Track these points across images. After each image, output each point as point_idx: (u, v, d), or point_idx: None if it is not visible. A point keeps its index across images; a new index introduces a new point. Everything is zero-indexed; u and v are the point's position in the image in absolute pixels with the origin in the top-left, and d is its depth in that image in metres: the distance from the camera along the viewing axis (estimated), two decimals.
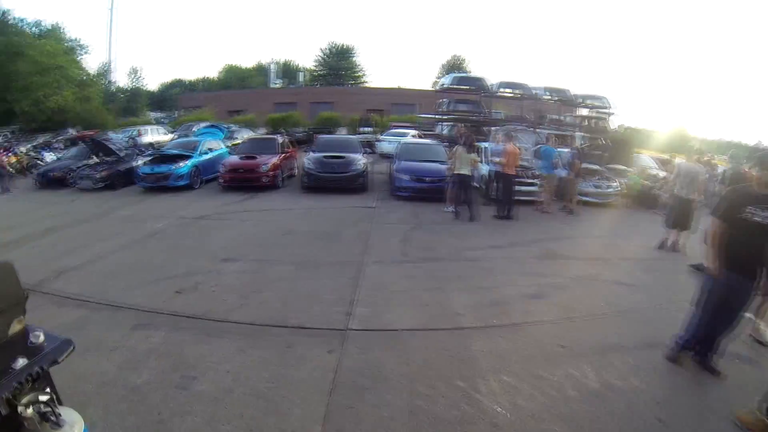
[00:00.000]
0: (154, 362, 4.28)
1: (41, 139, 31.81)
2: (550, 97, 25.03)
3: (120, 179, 14.78)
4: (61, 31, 44.85)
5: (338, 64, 70.59)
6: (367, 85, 67.54)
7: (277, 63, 77.31)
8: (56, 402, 2.00)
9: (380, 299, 5.85)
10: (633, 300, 6.21)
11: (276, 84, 61.81)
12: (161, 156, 14.46)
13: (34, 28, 43.98)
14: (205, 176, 15.01)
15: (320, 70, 72.16)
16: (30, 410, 1.84)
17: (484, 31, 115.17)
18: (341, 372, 4.17)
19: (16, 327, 2.01)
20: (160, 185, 13.71)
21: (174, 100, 68.18)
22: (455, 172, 10.80)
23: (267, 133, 27.54)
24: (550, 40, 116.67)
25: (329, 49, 71.62)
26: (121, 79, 71.65)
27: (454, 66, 70.97)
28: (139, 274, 6.61)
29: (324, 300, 5.77)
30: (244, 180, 13.70)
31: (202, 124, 27.74)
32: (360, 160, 13.93)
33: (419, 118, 37.34)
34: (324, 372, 4.16)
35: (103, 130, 36.16)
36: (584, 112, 26.27)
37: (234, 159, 14.49)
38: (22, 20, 43.81)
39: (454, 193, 11.15)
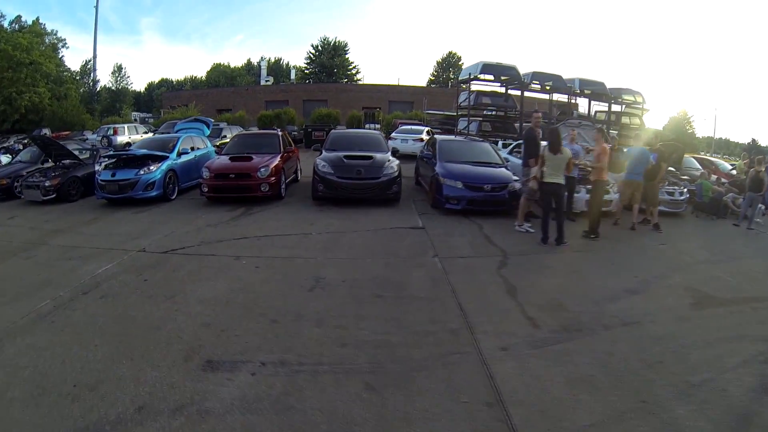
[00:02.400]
0: None
1: (12, 140, 28.09)
2: (580, 91, 21.82)
3: (77, 188, 11.22)
4: (42, 27, 40.68)
5: (330, 62, 66.86)
6: (362, 82, 63.97)
7: (268, 61, 73.82)
8: None
9: None
10: None
11: (267, 81, 58.15)
12: (127, 158, 10.83)
13: (14, 24, 39.76)
14: (184, 183, 11.41)
15: (312, 68, 68.37)
16: None
17: (478, 28, 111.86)
18: None
19: None
20: (124, 197, 10.11)
21: (160, 100, 64.32)
22: (546, 180, 7.63)
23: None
24: (544, 36, 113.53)
25: (321, 46, 67.86)
26: (104, 78, 67.54)
27: (449, 64, 68.08)
28: (42, 408, 3.07)
29: None
30: (235, 189, 10.04)
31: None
32: (392, 161, 10.48)
33: (425, 115, 34.46)
34: None
35: (79, 129, 32.47)
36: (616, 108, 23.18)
37: (222, 160, 10.79)
38: None
39: (529, 207, 8.64)
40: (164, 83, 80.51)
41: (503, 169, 10.05)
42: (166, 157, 10.87)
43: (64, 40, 42.46)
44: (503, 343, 4.13)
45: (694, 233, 9.81)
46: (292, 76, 68.50)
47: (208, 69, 79.27)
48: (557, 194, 7.65)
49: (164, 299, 4.95)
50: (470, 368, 3.69)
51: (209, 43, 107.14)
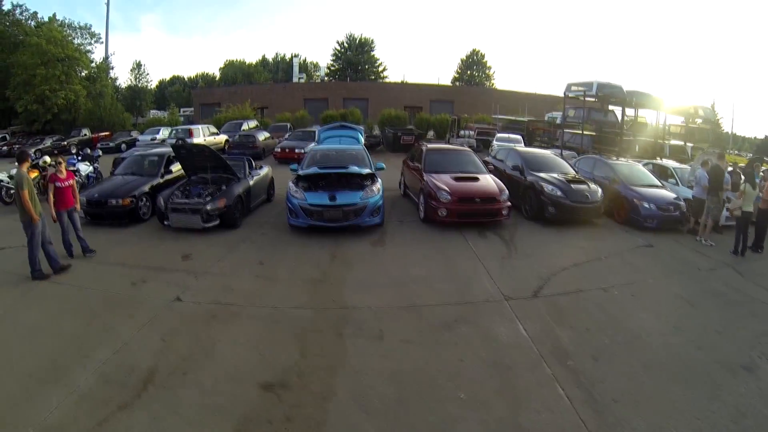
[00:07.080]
0: None
1: (48, 141, 25.75)
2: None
3: (240, 210, 9.44)
4: (65, 22, 37.34)
5: (357, 58, 64.69)
6: (401, 80, 62.04)
7: (283, 57, 71.57)
8: None
9: None
10: None
11: (300, 78, 56.12)
12: (318, 174, 9.07)
13: (30, 21, 36.71)
14: None
15: (338, 64, 66.12)
16: None
17: (500, 26, 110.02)
18: None
19: None
20: (345, 225, 8.41)
21: (174, 98, 61.85)
22: (744, 209, 9.11)
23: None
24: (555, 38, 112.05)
25: (347, 42, 65.69)
26: (121, 75, 64.84)
27: (473, 62, 66.46)
28: None
29: None
30: (481, 214, 9.13)
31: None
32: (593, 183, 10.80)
33: (490, 119, 33.16)
34: None
35: (120, 130, 30.40)
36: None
37: (450, 181, 9.30)
38: (20, 6, 36.32)
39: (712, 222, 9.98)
40: (176, 80, 77.90)
41: (667, 191, 11.02)
42: (375, 177, 9.17)
43: (99, 35, 39.49)
44: None
45: None
46: (321, 73, 66.36)
47: (221, 65, 76.57)
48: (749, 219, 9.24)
49: None
50: None
51: (210, 40, 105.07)
